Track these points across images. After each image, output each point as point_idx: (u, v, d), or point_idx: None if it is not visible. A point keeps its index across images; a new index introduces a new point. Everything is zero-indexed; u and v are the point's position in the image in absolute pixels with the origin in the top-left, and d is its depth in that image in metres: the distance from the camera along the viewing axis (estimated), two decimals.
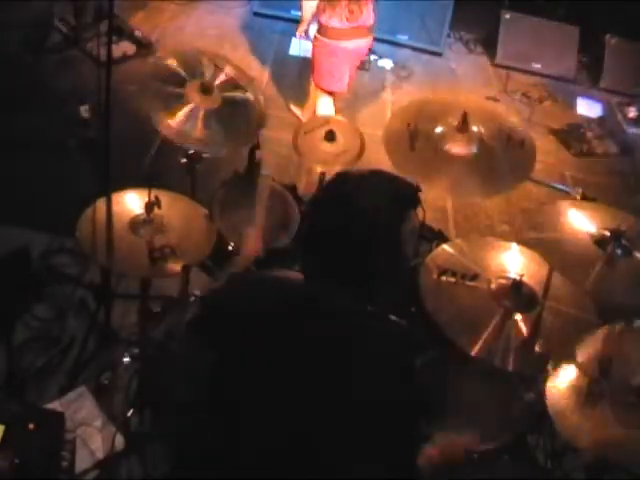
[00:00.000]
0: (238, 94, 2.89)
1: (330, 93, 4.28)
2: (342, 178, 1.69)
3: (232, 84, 2.89)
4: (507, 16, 5.90)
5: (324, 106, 4.30)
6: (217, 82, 2.84)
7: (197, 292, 3.01)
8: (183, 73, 2.81)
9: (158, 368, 2.78)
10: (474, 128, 2.74)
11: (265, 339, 1.59)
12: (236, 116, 2.83)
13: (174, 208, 2.68)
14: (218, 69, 2.86)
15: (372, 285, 1.63)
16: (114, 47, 2.54)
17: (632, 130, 5.44)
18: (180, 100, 2.74)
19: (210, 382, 1.66)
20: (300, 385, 1.56)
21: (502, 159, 2.68)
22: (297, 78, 5.05)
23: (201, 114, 2.75)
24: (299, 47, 5.14)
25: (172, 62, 2.83)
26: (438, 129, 2.76)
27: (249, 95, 2.90)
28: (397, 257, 1.63)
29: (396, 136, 2.77)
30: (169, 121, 2.69)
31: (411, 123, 2.74)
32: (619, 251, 2.33)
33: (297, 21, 4.48)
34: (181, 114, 2.72)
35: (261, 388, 1.58)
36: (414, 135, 2.71)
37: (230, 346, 1.63)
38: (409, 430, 1.65)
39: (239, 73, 2.93)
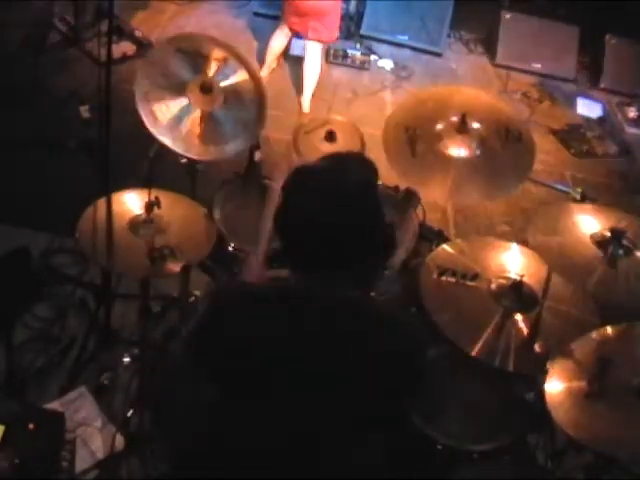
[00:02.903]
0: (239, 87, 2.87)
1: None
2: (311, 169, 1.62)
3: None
4: (507, 16, 5.89)
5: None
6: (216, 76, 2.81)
7: (197, 292, 3.01)
8: (185, 68, 2.78)
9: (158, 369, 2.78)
10: (474, 125, 2.72)
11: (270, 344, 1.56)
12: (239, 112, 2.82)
13: (174, 208, 2.68)
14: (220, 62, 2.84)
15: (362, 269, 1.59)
16: (114, 47, 2.52)
17: (632, 130, 5.44)
18: (181, 103, 2.75)
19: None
20: (307, 381, 1.56)
21: (502, 157, 2.68)
22: (297, 78, 5.05)
23: (200, 116, 2.75)
24: (299, 47, 5.15)
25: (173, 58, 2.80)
26: (437, 131, 2.76)
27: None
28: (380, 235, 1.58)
29: (396, 142, 2.76)
30: (169, 132, 2.70)
31: (409, 128, 2.74)
32: (620, 251, 2.32)
33: None
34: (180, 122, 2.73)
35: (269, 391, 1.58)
36: (413, 140, 2.71)
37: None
38: (406, 430, 1.66)
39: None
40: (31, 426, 2.36)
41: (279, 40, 4.91)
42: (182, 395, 1.76)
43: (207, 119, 2.77)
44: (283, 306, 1.58)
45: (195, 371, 1.73)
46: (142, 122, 2.72)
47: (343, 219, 1.50)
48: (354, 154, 1.67)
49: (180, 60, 2.76)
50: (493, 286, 2.55)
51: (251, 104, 2.83)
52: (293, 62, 5.28)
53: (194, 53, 2.77)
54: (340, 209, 1.50)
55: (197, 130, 2.76)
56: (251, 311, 1.58)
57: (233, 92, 2.82)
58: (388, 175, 3.26)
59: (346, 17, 5.88)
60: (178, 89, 2.75)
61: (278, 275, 2.20)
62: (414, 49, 5.90)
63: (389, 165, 2.71)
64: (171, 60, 2.76)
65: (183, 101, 2.76)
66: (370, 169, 1.63)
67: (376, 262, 1.63)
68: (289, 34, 4.84)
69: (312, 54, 4.76)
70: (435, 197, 2.80)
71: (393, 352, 1.58)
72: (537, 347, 2.34)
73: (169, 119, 2.73)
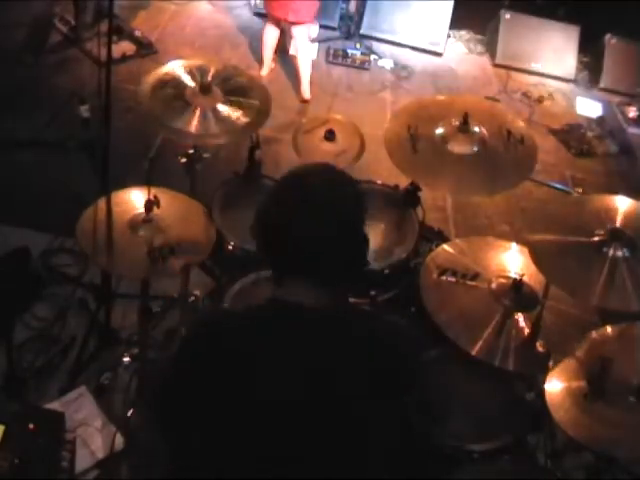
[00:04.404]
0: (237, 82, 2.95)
1: None
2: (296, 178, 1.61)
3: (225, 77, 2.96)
4: (507, 16, 5.89)
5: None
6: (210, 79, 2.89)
7: (197, 292, 3.01)
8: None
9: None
10: (475, 128, 2.74)
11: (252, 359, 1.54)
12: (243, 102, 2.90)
13: (174, 208, 2.68)
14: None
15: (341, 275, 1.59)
16: (114, 47, 2.53)
17: (632, 130, 5.43)
18: (187, 107, 2.80)
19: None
20: (295, 391, 1.54)
21: (504, 156, 2.69)
22: (296, 77, 5.06)
23: (210, 113, 2.79)
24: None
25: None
26: (439, 130, 2.77)
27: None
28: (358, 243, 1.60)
29: (397, 139, 2.77)
30: (185, 128, 2.74)
31: (411, 126, 2.74)
32: (620, 253, 2.30)
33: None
34: (194, 118, 2.77)
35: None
36: (415, 137, 2.71)
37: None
38: (405, 430, 1.64)
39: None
40: (31, 426, 2.36)
41: (270, 32, 4.99)
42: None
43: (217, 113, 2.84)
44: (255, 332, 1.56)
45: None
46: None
47: (304, 227, 1.51)
48: (324, 166, 1.66)
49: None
50: (493, 286, 2.55)
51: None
52: (292, 62, 5.28)
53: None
54: (299, 217, 1.51)
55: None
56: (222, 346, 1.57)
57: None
58: (389, 174, 3.27)
59: (346, 17, 5.90)
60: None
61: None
62: (414, 49, 5.90)
63: (390, 161, 2.72)
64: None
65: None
66: (336, 181, 1.61)
67: (349, 273, 1.61)
68: (278, 24, 4.92)
69: (300, 39, 4.86)
70: (435, 193, 2.80)
71: (376, 369, 1.56)
72: (539, 346, 2.34)
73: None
